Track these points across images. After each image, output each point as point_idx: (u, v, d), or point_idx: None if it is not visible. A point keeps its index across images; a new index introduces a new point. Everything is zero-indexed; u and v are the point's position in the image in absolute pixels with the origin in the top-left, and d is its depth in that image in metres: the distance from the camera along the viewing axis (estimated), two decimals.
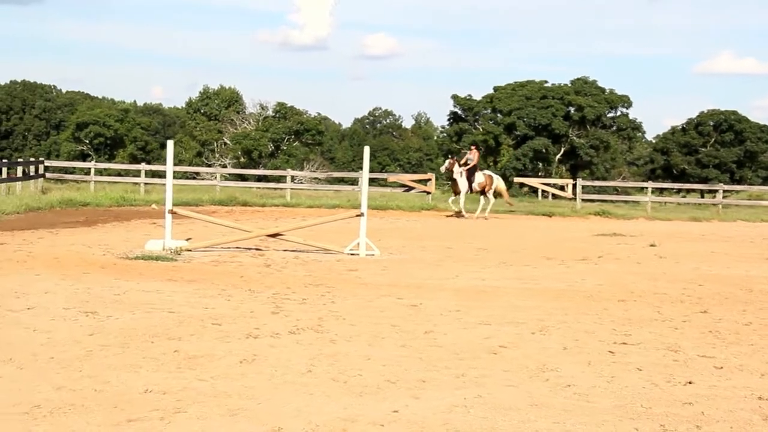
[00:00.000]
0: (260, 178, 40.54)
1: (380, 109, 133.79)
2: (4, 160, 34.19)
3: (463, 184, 29.65)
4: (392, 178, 36.54)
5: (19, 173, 31.51)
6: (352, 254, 17.30)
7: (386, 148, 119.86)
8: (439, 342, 9.24)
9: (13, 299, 10.78)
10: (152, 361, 7.96)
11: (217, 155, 78.55)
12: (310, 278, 13.84)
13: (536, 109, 76.41)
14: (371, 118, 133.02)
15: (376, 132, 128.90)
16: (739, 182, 70.39)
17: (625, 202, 38.00)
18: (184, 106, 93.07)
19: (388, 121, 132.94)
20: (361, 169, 19.12)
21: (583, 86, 78.16)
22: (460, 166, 29.78)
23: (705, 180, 70.19)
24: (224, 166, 68.58)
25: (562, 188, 38.10)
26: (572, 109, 77.72)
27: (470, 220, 29.17)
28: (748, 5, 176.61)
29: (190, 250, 16.72)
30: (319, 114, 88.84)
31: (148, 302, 10.98)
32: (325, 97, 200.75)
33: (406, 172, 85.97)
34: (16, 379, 7.12)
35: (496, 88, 79.53)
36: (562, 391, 7.36)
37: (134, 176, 35.98)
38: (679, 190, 48.09)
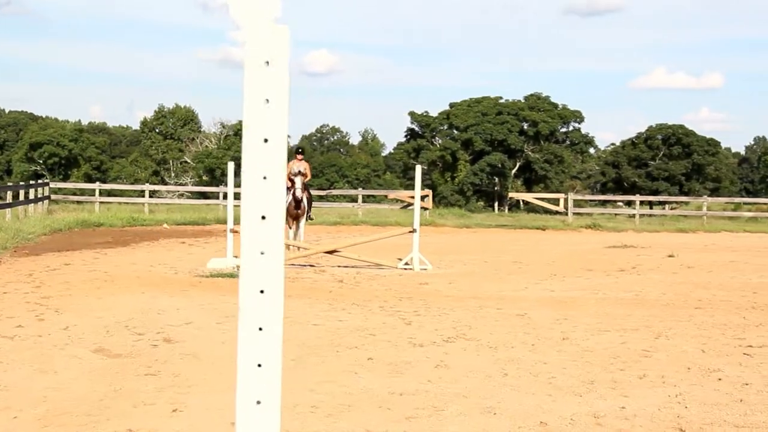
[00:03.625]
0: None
1: (327, 125, 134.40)
2: (9, 184, 34.08)
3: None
4: (392, 195, 37.30)
5: (21, 196, 31.54)
6: (405, 268, 17.98)
7: (334, 164, 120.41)
8: (585, 347, 9.98)
9: (171, 314, 11.30)
10: (359, 367, 8.59)
11: (172, 174, 78.48)
12: (394, 292, 14.50)
13: (492, 125, 77.72)
14: (319, 135, 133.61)
15: (323, 149, 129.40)
16: (687, 194, 72.28)
17: (615, 215, 39.15)
18: (127, 125, 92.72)
19: (335, 137, 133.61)
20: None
21: (537, 102, 79.73)
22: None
23: (655, 192, 72.00)
24: (183, 185, 68.58)
25: (556, 202, 39.19)
26: (526, 125, 79.22)
27: (451, 236, 29.89)
28: (678, 22, 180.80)
29: None
30: None
31: (285, 316, 11.51)
32: None
33: (354, 188, 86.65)
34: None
35: (452, 105, 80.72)
36: (743, 387, 8.15)
37: (135, 196, 36.15)
38: (660, 203, 49.37)
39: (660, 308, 13.18)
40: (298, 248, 20.11)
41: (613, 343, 10.24)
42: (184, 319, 11.11)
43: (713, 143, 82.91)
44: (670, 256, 21.99)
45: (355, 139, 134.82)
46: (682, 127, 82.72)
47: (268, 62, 2.26)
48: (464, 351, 9.61)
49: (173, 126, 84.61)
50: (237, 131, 77.59)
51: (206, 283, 15.07)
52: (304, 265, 18.33)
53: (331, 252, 18.24)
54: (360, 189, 42.58)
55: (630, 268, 19.22)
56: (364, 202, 38.50)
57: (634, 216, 37.99)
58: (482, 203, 77.01)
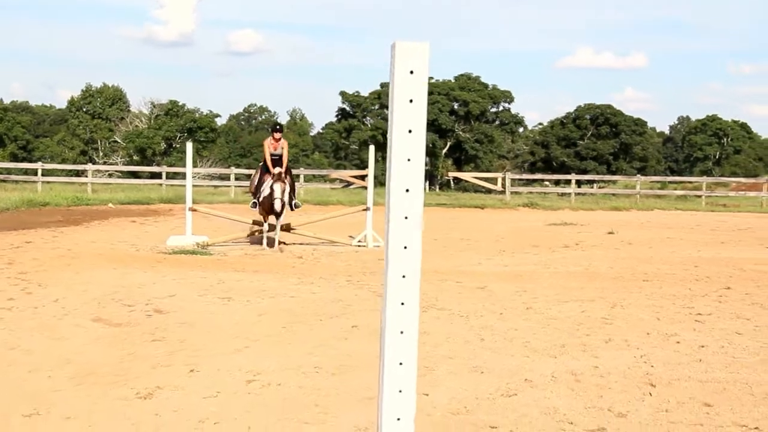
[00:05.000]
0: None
1: (255, 105, 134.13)
2: None
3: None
4: (334, 174, 37.93)
5: None
6: (359, 246, 18.70)
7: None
8: (549, 316, 10.80)
9: (151, 288, 11.88)
10: (347, 333, 9.32)
11: (101, 154, 77.99)
12: (356, 267, 15.21)
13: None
14: (246, 114, 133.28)
15: (251, 128, 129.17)
16: (615, 173, 74.05)
17: (546, 194, 40.32)
18: (51, 104, 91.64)
19: (263, 117, 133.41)
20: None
21: (467, 82, 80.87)
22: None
23: (584, 171, 73.67)
24: (114, 164, 68.32)
25: (494, 181, 40.20)
26: (457, 105, 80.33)
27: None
28: (603, 1, 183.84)
29: (213, 244, 17.82)
30: (211, 111, 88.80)
31: (260, 289, 12.22)
32: (196, 93, 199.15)
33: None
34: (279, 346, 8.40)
35: (383, 85, 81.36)
36: (699, 349, 9.05)
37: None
38: (594, 181, 50.71)
39: (610, 281, 14.08)
40: (279, 240, 18.17)
41: (574, 312, 11.09)
42: (166, 292, 11.69)
43: (640, 123, 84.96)
44: (610, 233, 23.06)
45: (283, 119, 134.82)
46: (610, 107, 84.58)
47: (412, 72, 2.97)
48: (438, 319, 10.37)
49: (101, 105, 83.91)
50: (168, 111, 77.41)
51: (171, 259, 15.61)
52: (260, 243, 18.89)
53: (287, 230, 18.86)
54: (302, 168, 43.13)
55: (573, 244, 20.19)
56: (305, 181, 39.07)
57: (568, 194, 39.20)
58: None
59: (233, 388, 7.00)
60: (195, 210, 18.30)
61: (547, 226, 25.61)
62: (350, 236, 19.54)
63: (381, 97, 79.50)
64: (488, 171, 72.23)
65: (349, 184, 36.69)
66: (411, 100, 2.96)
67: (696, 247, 20.07)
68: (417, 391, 6.51)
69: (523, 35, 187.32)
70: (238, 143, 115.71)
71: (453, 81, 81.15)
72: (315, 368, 7.76)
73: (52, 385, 6.92)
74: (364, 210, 19.18)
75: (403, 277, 2.98)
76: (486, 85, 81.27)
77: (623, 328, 10.07)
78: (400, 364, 3.01)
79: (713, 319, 10.77)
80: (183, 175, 36.42)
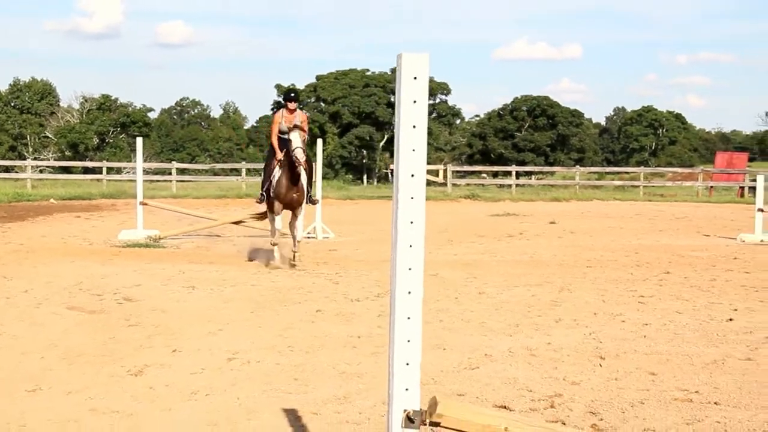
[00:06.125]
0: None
1: (187, 99, 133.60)
2: None
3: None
4: None
5: None
6: (309, 237, 19.37)
7: (195, 138, 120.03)
8: (501, 299, 11.58)
9: (114, 279, 12.45)
10: (312, 317, 10.02)
11: (30, 149, 77.46)
12: (309, 258, 15.85)
13: (360, 98, 79.34)
14: (178, 108, 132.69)
15: (184, 122, 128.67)
16: (553, 165, 75.48)
17: (484, 185, 41.34)
18: None
19: (196, 111, 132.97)
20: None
21: None
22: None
23: (522, 163, 74.98)
24: (45, 160, 68.00)
25: (435, 173, 41.04)
26: (394, 97, 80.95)
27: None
28: None
29: (165, 238, 18.36)
30: (144, 105, 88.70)
31: (221, 278, 12.85)
32: (127, 87, 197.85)
33: (217, 162, 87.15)
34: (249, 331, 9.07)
35: (318, 77, 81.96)
36: (643, 327, 9.90)
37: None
38: (533, 173, 51.74)
39: (555, 267, 14.93)
40: (294, 248, 14.79)
41: (524, 296, 11.90)
42: (131, 282, 12.26)
43: (577, 114, 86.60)
44: (551, 222, 24.02)
45: (216, 113, 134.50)
46: (546, 98, 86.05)
47: (415, 77, 3.68)
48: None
49: (30, 100, 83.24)
50: (100, 105, 77.14)
51: (126, 252, 16.13)
52: (211, 235, 19.47)
53: (237, 222, 19.44)
54: (244, 162, 43.58)
55: (517, 234, 21.08)
56: (247, 175, 39.53)
57: (508, 186, 40.26)
58: (351, 176, 78.72)
59: (216, 365, 7.66)
60: (146, 204, 18.79)
61: (490, 217, 26.51)
62: None
63: (317, 90, 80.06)
64: (426, 163, 73.14)
65: None
66: (415, 101, 3.68)
67: (636, 235, 21.07)
68: (384, 366, 7.24)
69: (458, 26, 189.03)
70: (171, 137, 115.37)
71: (390, 73, 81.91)
72: (288, 347, 8.44)
73: (46, 365, 7.53)
74: (312, 203, 19.77)
75: (410, 246, 3.69)
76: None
77: (571, 309, 10.88)
78: (408, 318, 3.71)
79: (655, 300, 11.64)
80: (122, 171, 36.96)
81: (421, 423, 3.63)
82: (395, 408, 3.66)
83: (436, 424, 3.64)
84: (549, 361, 8.10)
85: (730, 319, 10.21)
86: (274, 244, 15.12)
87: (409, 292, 3.70)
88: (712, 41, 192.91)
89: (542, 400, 6.80)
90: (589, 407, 6.60)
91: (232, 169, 49.37)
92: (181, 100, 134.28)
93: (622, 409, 6.57)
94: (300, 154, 13.90)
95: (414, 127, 3.62)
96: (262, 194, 15.27)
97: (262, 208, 16.10)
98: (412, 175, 3.62)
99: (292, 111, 14.90)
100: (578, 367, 7.89)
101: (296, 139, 14.01)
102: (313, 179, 16.37)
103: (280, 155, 14.59)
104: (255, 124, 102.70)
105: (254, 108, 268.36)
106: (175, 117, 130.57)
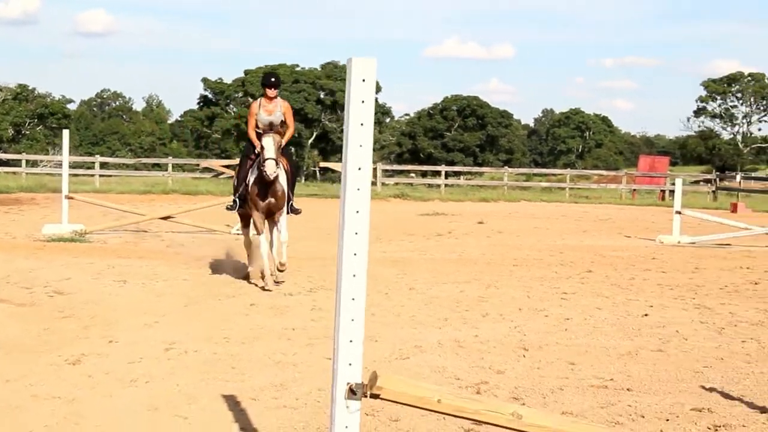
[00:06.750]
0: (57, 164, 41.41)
1: (108, 90, 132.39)
2: None
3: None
4: (204, 163, 38.58)
5: None
6: (238, 234, 19.65)
7: (116, 131, 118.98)
8: (430, 295, 12.07)
9: (43, 272, 12.65)
10: (247, 310, 10.40)
11: None
12: (241, 254, 16.17)
13: (288, 93, 79.27)
14: (99, 100, 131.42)
15: (104, 115, 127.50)
16: (482, 165, 76.46)
17: (412, 184, 41.93)
18: None
19: (117, 103, 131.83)
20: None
21: (334, 71, 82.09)
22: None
23: (451, 163, 75.79)
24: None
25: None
26: (323, 94, 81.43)
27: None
28: None
29: (91, 232, 18.50)
30: (63, 96, 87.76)
31: (152, 273, 13.14)
32: (45, 77, 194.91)
33: (138, 156, 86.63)
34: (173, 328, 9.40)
35: (247, 72, 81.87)
36: (565, 321, 10.46)
37: None
38: (461, 173, 52.33)
39: (483, 265, 15.47)
40: (276, 274, 12.47)
41: (453, 292, 12.40)
42: (60, 276, 12.47)
43: (506, 115, 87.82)
44: (480, 222, 24.63)
45: (139, 106, 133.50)
46: (476, 98, 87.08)
47: (364, 80, 4.10)
48: (329, 299, 11.43)
49: None
50: (16, 95, 76.16)
51: (52, 246, 16.28)
52: (139, 231, 19.66)
53: (165, 218, 19.65)
54: (170, 158, 43.58)
55: (446, 233, 21.63)
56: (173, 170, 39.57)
57: (437, 186, 40.90)
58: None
59: (154, 355, 8.01)
60: (72, 198, 18.91)
61: (419, 216, 27.03)
62: (227, 225, 20.39)
63: (245, 85, 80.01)
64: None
65: (218, 174, 37.44)
66: (363, 101, 4.11)
67: (561, 235, 21.77)
68: (319, 356, 7.66)
69: (389, 23, 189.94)
70: (90, 130, 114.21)
71: (319, 69, 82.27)
72: (224, 339, 8.81)
73: None
74: None
75: (356, 233, 4.12)
76: None
77: (498, 305, 11.41)
78: (353, 299, 4.12)
79: (577, 297, 12.23)
80: (38, 164, 36.70)
81: (363, 395, 4.04)
82: (339, 381, 4.07)
83: (376, 396, 4.05)
84: (476, 352, 8.58)
85: (646, 315, 10.84)
86: (260, 277, 12.57)
87: (354, 275, 4.12)
88: (637, 45, 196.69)
89: (469, 387, 7.27)
90: (513, 393, 7.09)
91: (154, 164, 49.28)
92: (102, 91, 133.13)
93: (543, 395, 7.08)
94: (271, 168, 11.84)
95: (362, 124, 4.04)
96: (235, 201, 13.00)
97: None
98: (359, 169, 4.04)
99: (271, 99, 12.73)
100: (503, 358, 8.39)
101: (269, 147, 11.89)
102: (295, 187, 13.51)
103: (259, 146, 12.26)
104: (179, 119, 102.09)
105: (179, 102, 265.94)
106: (95, 109, 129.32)
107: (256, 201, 12.44)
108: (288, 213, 12.77)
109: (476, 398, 4.53)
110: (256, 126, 12.70)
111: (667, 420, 6.53)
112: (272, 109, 12.64)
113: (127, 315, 9.81)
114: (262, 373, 7.49)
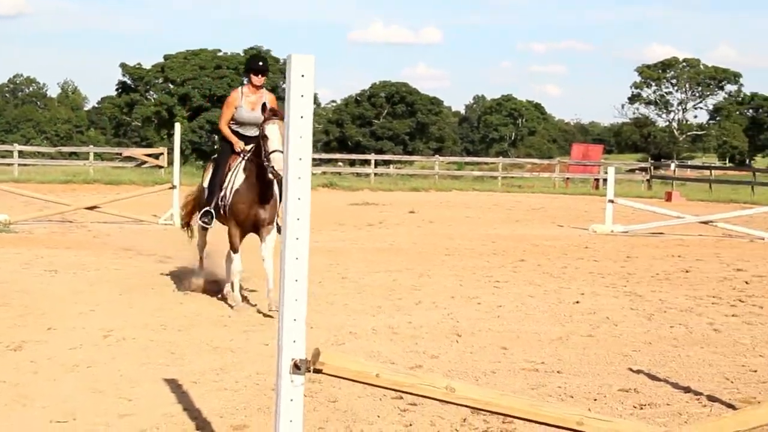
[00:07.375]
0: None
1: (21, 76, 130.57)
2: None
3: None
4: (126, 152, 38.60)
5: None
6: (167, 224, 19.97)
7: (30, 119, 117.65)
8: (363, 283, 12.55)
9: None
10: (182, 298, 10.80)
11: None
12: (170, 244, 16.48)
13: (211, 79, 79.23)
14: (12, 86, 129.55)
15: (18, 101, 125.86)
16: (412, 154, 77.03)
17: (340, 173, 42.40)
18: None
19: (31, 89, 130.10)
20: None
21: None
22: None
23: (380, 151, 76.26)
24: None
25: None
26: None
27: None
28: None
29: (15, 223, 18.66)
30: None
31: (81, 263, 13.47)
32: None
33: (54, 145, 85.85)
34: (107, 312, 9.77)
35: (167, 57, 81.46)
36: (498, 308, 11.03)
37: None
38: (393, 162, 52.98)
39: (415, 255, 16.00)
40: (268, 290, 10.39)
41: (386, 280, 12.90)
42: None
43: (436, 102, 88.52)
44: (411, 212, 25.20)
45: (53, 92, 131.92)
46: (405, 85, 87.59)
47: (303, 75, 4.57)
48: (263, 288, 11.93)
49: None
50: None
51: None
52: (64, 221, 19.86)
53: (91, 208, 19.87)
54: (91, 146, 43.37)
55: (377, 222, 22.14)
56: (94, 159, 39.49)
57: (367, 175, 41.42)
58: (202, 162, 78.58)
59: (93, 341, 8.40)
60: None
61: (349, 206, 27.50)
62: (154, 215, 20.66)
63: (165, 70, 79.61)
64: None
65: (142, 163, 37.54)
66: (302, 95, 4.57)
67: (493, 225, 22.41)
68: (256, 342, 8.12)
69: (314, 5, 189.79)
70: (3, 117, 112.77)
71: (242, 54, 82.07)
72: (161, 326, 9.22)
73: None
74: (170, 188, 20.37)
75: (298, 219, 4.58)
76: (277, 60, 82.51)
77: (431, 293, 11.94)
78: (296, 280, 4.59)
79: (509, 285, 12.82)
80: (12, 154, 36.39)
81: (306, 370, 4.51)
82: (284, 357, 4.53)
83: (319, 371, 4.53)
84: (410, 338, 9.10)
85: (577, 302, 11.46)
86: (231, 300, 10.86)
87: (297, 258, 4.58)
88: (569, 29, 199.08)
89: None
90: (447, 376, 7.58)
91: (71, 153, 49.10)
92: (14, 77, 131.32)
93: (476, 377, 7.62)
94: (280, 164, 9.24)
95: (302, 117, 4.50)
96: (208, 212, 10.88)
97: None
98: (300, 159, 4.50)
99: (258, 88, 10.98)
100: (437, 343, 8.91)
101: (275, 137, 9.79)
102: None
103: (240, 146, 10.68)
104: (96, 105, 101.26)
105: (95, 88, 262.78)
106: (7, 95, 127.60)
107: (238, 212, 10.48)
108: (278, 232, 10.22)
109: (412, 373, 5.02)
110: (233, 120, 10.95)
111: (595, 400, 7.08)
112: (257, 100, 10.67)
113: (61, 304, 10.15)
114: (201, 359, 7.91)
